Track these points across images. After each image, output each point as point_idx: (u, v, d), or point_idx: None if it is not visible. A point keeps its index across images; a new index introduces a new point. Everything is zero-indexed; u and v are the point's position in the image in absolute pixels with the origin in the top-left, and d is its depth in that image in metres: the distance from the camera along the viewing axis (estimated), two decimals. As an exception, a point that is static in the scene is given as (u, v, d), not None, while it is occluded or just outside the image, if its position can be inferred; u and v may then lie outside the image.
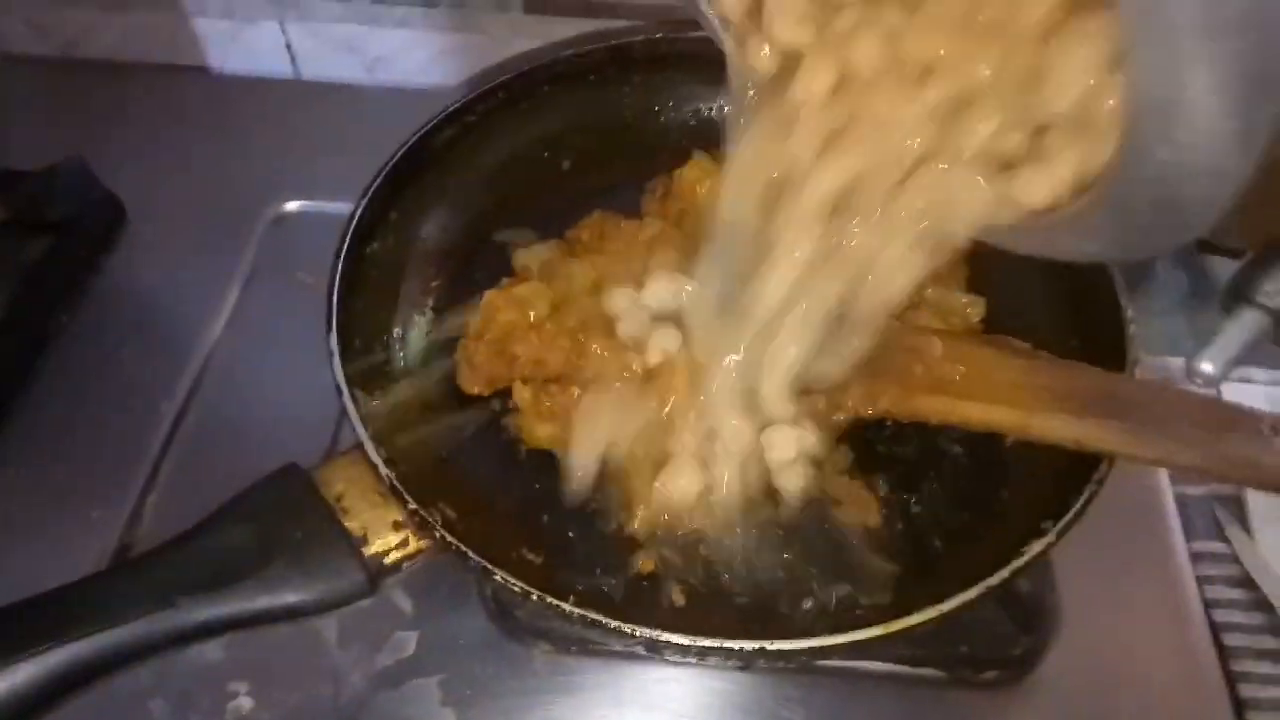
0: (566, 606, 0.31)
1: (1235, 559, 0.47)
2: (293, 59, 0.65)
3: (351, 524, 0.33)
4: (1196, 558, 0.47)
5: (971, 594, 0.31)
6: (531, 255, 0.44)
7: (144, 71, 0.64)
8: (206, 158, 0.57)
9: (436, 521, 0.32)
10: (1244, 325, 0.24)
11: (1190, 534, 0.48)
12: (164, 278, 0.52)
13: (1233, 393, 0.52)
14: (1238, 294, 0.24)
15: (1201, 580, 0.47)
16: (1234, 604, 0.46)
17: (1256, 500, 0.48)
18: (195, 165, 0.57)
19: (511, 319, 0.38)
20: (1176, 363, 0.57)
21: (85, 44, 0.65)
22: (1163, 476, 0.48)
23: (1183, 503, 0.49)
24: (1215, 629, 0.44)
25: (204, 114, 0.61)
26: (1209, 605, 0.46)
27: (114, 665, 0.30)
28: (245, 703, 0.38)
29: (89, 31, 0.64)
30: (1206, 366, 0.24)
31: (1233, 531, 0.48)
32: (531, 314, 0.39)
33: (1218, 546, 0.48)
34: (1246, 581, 0.46)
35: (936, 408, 0.37)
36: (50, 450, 0.44)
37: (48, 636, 0.30)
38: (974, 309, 0.43)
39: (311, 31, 0.63)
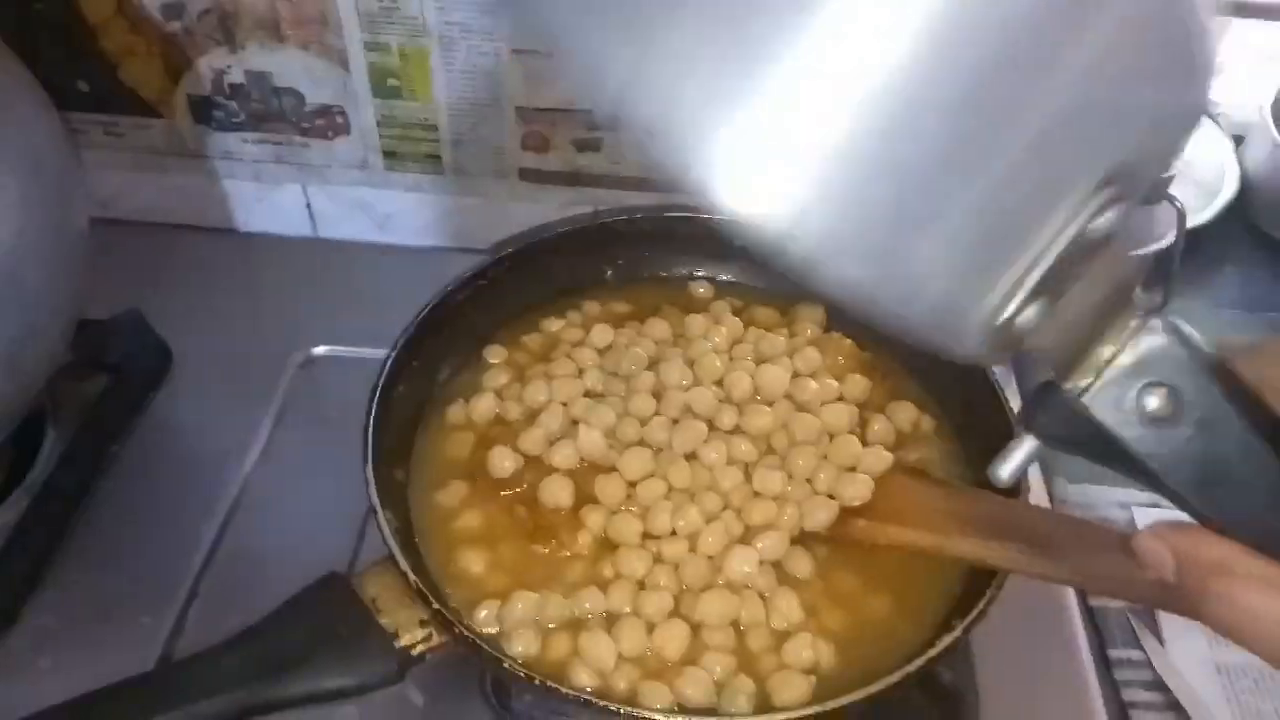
0: (565, 689, 0.37)
1: (1149, 664, 0.51)
2: (312, 218, 0.71)
3: (385, 621, 0.39)
4: (1116, 663, 0.52)
5: (894, 678, 0.38)
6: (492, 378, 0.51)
7: (176, 230, 0.70)
8: (240, 308, 0.64)
9: (456, 620, 0.39)
10: (1027, 446, 0.28)
11: (1110, 642, 0.52)
12: (205, 414, 0.58)
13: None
14: (1021, 421, 0.28)
15: (1121, 684, 0.51)
16: (1150, 706, 0.50)
17: (1164, 613, 0.52)
18: (230, 315, 0.63)
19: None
20: (1094, 490, 0.65)
21: (115, 204, 0.70)
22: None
23: (1103, 614, 0.53)
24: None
25: (235, 269, 0.68)
26: (1128, 707, 0.50)
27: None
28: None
29: (121, 193, 0.70)
30: (1001, 473, 0.29)
31: (1146, 640, 0.52)
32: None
33: (1135, 654, 0.52)
34: (1161, 686, 0.50)
35: (867, 531, 0.44)
36: (105, 565, 0.50)
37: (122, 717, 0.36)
38: (926, 426, 0.50)
39: (329, 194, 0.70)
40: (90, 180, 0.67)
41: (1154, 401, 0.25)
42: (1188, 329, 0.25)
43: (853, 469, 0.46)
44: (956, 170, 0.20)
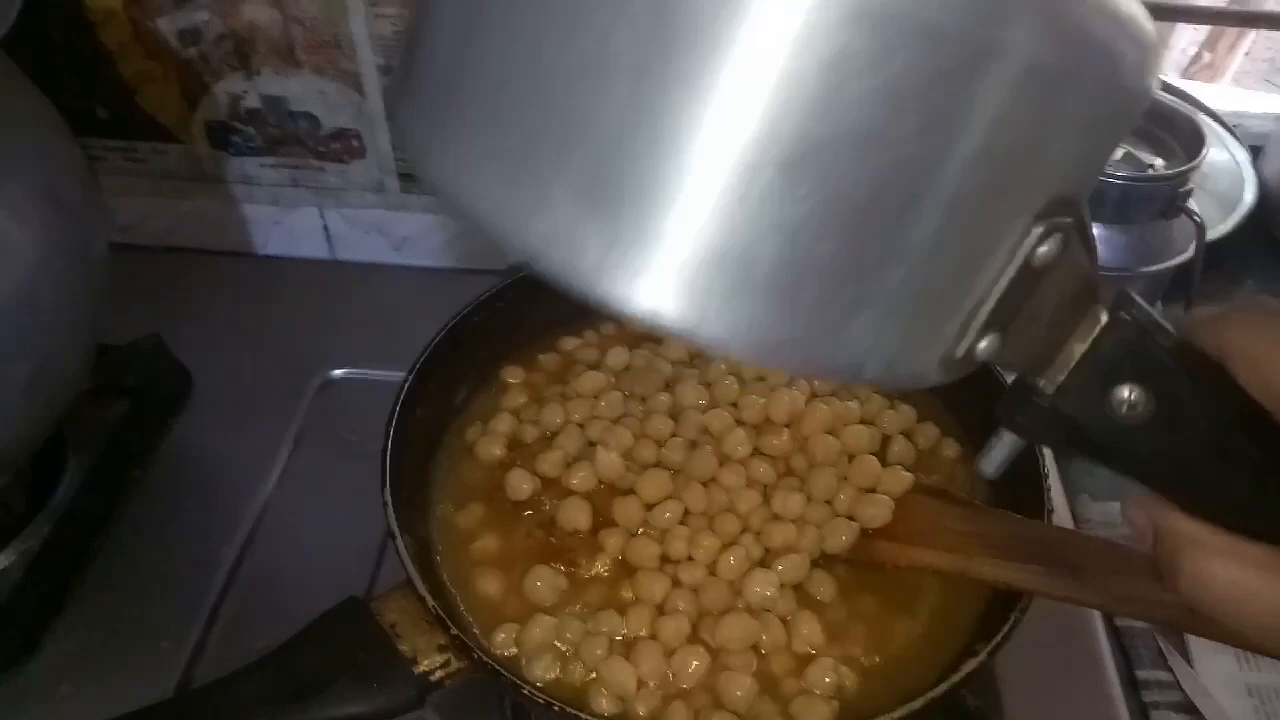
0: (585, 716, 0.37)
1: (1178, 685, 0.51)
2: (329, 241, 0.72)
3: (404, 646, 0.39)
4: (1144, 685, 0.51)
5: (917, 704, 0.37)
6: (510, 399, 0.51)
7: (194, 255, 0.71)
8: (258, 332, 0.64)
9: (474, 645, 0.39)
10: (1007, 440, 0.28)
11: (1137, 663, 0.52)
12: (224, 437, 0.58)
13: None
14: (1000, 418, 0.28)
15: (1149, 706, 0.50)
16: None
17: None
18: (249, 338, 0.64)
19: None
20: (1118, 507, 0.64)
21: (134, 230, 0.71)
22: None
23: (1130, 634, 0.53)
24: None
25: (254, 292, 0.68)
26: None
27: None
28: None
29: (140, 219, 0.71)
30: (986, 469, 0.29)
31: (1174, 661, 0.52)
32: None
33: (1163, 675, 0.51)
34: (1190, 708, 0.50)
35: (888, 553, 0.43)
36: (126, 590, 0.50)
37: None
38: (948, 447, 0.49)
39: (346, 217, 0.71)
40: (108, 206, 0.69)
41: (1125, 395, 0.25)
42: (1152, 316, 0.25)
43: (872, 490, 0.46)
44: (876, 260, 0.20)
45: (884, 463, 0.47)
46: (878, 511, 0.44)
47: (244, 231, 0.72)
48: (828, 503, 0.45)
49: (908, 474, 0.46)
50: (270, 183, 0.70)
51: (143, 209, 0.71)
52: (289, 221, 0.71)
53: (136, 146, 0.69)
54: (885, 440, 0.49)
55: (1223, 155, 0.72)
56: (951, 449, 0.50)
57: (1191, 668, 0.51)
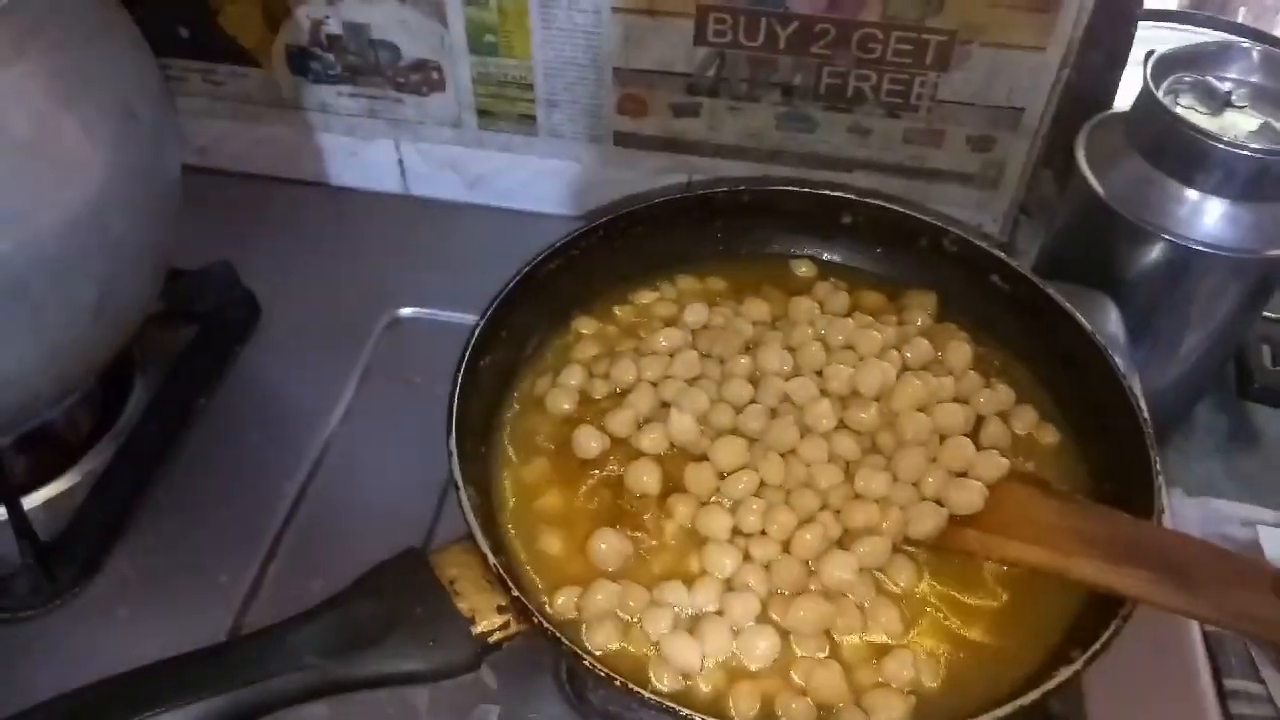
0: (645, 693, 0.35)
1: (1270, 699, 0.49)
2: (404, 175, 0.70)
3: (462, 605, 0.37)
4: (1232, 695, 0.49)
5: (1004, 711, 0.35)
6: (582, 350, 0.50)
7: (269, 182, 0.70)
8: (329, 264, 0.63)
9: (535, 608, 0.37)
10: None
11: (1227, 672, 0.50)
12: (291, 371, 0.57)
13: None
14: None
15: (1236, 718, 0.48)
16: None
17: (1291, 643, 0.49)
18: (319, 270, 0.62)
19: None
20: (1214, 504, 0.60)
21: (211, 153, 0.70)
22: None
23: (1219, 640, 0.50)
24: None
25: (326, 223, 0.67)
26: None
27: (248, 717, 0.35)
28: (341, 758, 0.42)
29: (217, 142, 0.70)
30: None
31: (1268, 673, 0.49)
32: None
33: (1254, 687, 0.49)
34: None
35: (981, 543, 0.41)
36: (187, 518, 0.49)
37: (194, 690, 0.35)
38: (1047, 434, 0.46)
39: (421, 151, 0.69)
40: (187, 128, 0.69)
41: None
42: None
43: (964, 474, 0.43)
44: None
45: (978, 446, 0.44)
46: (969, 498, 0.42)
47: (319, 161, 0.71)
48: (915, 485, 0.43)
49: (1003, 459, 0.43)
50: (347, 112, 0.68)
51: (220, 132, 0.70)
52: (364, 153, 0.70)
53: (216, 69, 0.68)
54: (979, 422, 0.46)
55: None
56: (1051, 435, 0.46)
57: (1286, 679, 0.49)
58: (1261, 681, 0.49)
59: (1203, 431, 0.66)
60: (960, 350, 0.48)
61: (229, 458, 0.52)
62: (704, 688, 0.38)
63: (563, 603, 0.40)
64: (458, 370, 0.43)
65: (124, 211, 0.44)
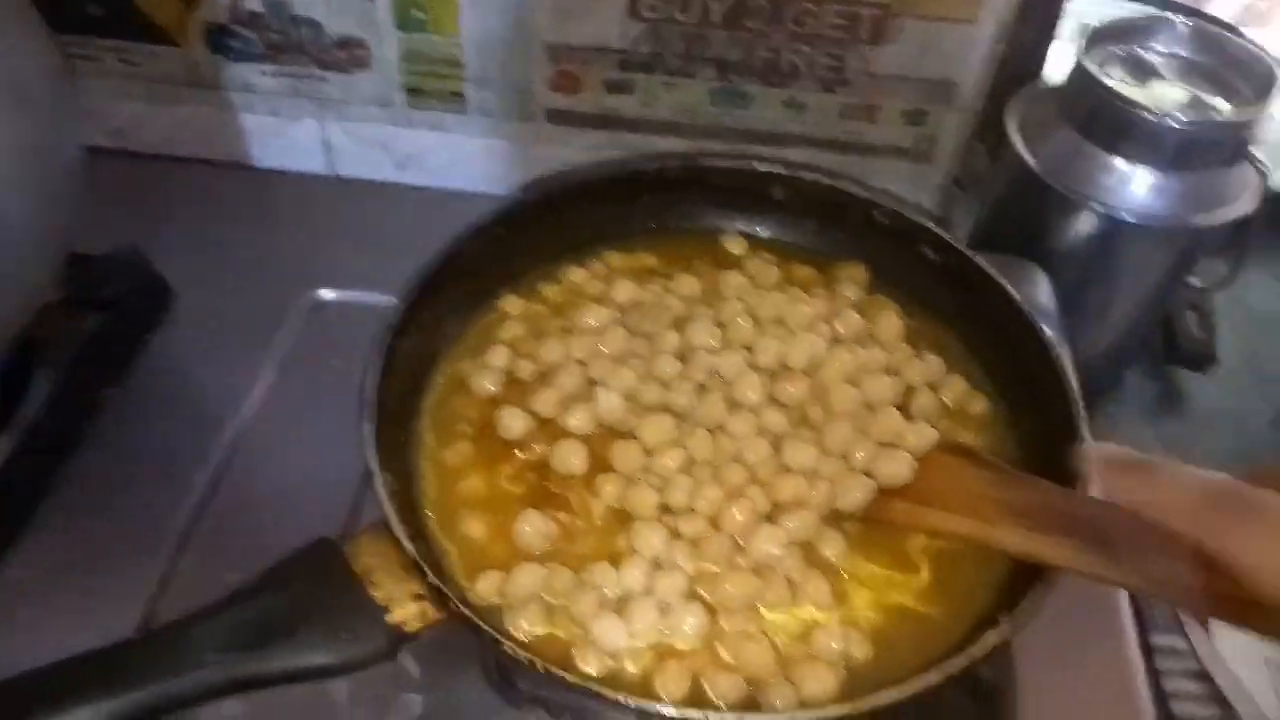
0: (569, 677, 0.34)
1: (1195, 654, 0.49)
2: (329, 156, 0.69)
3: (377, 594, 0.36)
4: (1158, 651, 0.50)
5: (932, 677, 0.34)
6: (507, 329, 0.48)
7: (188, 164, 0.68)
8: (248, 247, 0.61)
9: (451, 595, 0.36)
10: None
11: (1152, 628, 0.50)
12: (206, 357, 0.55)
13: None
14: None
15: (1163, 673, 0.49)
16: (1192, 697, 0.49)
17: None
18: (237, 254, 0.60)
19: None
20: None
21: (128, 135, 0.68)
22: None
23: (1146, 599, 0.51)
24: (1172, 720, 0.46)
25: (247, 206, 0.65)
26: (1170, 697, 0.48)
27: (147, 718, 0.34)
28: (260, 756, 0.40)
29: (135, 124, 0.68)
30: None
31: (1192, 629, 0.50)
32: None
33: (1178, 642, 0.50)
34: (1205, 676, 0.49)
35: (906, 515, 0.40)
36: (93, 512, 0.47)
37: (85, 693, 0.33)
38: (977, 403, 0.46)
39: (348, 131, 0.67)
40: (101, 109, 0.67)
41: None
42: None
43: (893, 445, 0.42)
44: None
45: (907, 416, 0.43)
46: (897, 469, 0.41)
47: (241, 142, 0.69)
48: (843, 457, 0.42)
49: (932, 430, 0.42)
50: (270, 91, 0.66)
51: (136, 114, 0.68)
52: (288, 133, 0.68)
53: (130, 48, 0.66)
54: (909, 392, 0.45)
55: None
56: (981, 405, 0.46)
57: (1208, 636, 0.50)
58: (1185, 637, 0.50)
59: (1132, 398, 0.67)
60: (890, 322, 0.47)
61: (137, 450, 0.50)
62: (632, 669, 0.37)
63: (484, 588, 0.39)
64: (378, 352, 0.42)
65: (17, 195, 0.42)
